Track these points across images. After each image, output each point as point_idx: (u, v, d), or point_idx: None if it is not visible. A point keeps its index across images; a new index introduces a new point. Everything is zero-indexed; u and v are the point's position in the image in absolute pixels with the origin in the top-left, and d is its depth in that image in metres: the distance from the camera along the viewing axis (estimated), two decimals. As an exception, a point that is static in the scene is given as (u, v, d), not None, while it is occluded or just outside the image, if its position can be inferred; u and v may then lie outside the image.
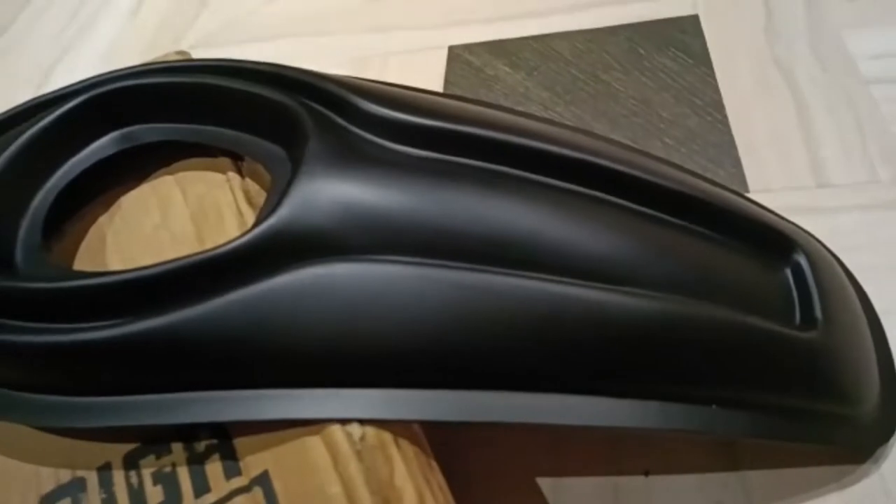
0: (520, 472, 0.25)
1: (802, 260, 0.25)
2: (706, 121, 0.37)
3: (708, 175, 0.31)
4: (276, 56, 0.42)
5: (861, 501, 0.23)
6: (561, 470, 0.25)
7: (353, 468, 0.19)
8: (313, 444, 0.20)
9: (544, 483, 0.25)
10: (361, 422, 0.20)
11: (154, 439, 0.21)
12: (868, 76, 0.36)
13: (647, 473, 0.25)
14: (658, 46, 0.42)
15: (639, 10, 0.45)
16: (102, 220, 0.28)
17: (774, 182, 0.33)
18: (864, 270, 0.28)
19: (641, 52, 0.42)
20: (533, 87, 0.43)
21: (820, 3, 0.41)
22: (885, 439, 0.24)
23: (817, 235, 0.29)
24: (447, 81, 0.44)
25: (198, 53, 0.39)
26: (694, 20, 0.43)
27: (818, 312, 0.24)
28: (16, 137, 0.26)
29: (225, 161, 0.28)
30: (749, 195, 0.32)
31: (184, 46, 0.52)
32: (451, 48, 0.47)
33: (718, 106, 0.38)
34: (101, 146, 0.28)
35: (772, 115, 0.36)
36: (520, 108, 0.41)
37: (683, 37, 0.42)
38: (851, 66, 0.37)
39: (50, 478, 0.21)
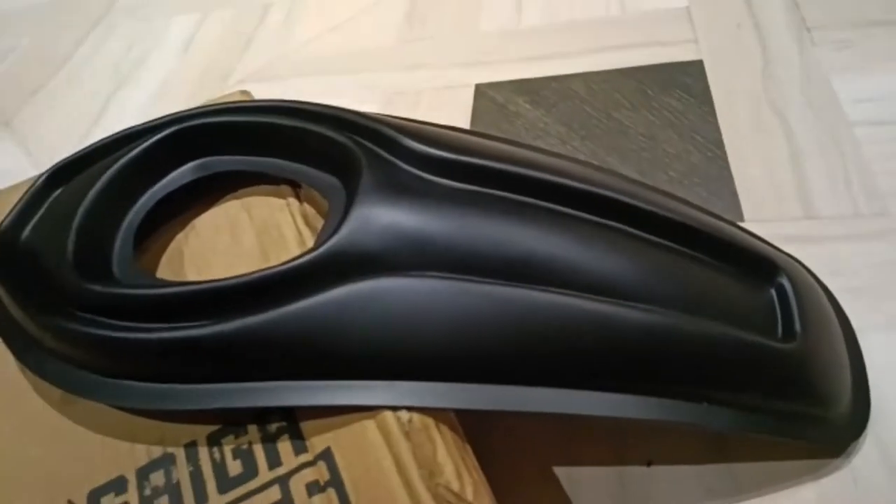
0: (536, 461, 0.29)
1: (785, 282, 0.28)
2: (707, 156, 0.41)
3: (707, 206, 0.35)
4: (315, 90, 0.46)
5: (834, 491, 0.27)
6: (573, 460, 0.29)
7: (403, 446, 0.23)
8: (369, 426, 0.23)
9: (559, 471, 0.29)
10: (409, 409, 0.23)
11: (233, 422, 0.25)
12: (853, 119, 0.40)
13: (649, 464, 0.28)
14: (664, 88, 0.46)
15: (648, 54, 0.49)
16: (180, 237, 0.32)
17: (767, 213, 0.37)
18: (843, 292, 0.32)
19: (649, 92, 0.46)
20: (551, 123, 0.46)
21: (812, 52, 0.45)
22: (856, 437, 0.27)
23: (804, 261, 0.33)
24: (474, 116, 0.48)
25: (244, 87, 0.43)
26: (698, 65, 0.47)
27: (798, 327, 0.27)
28: (109, 165, 0.31)
29: (286, 188, 0.32)
30: (743, 224, 0.36)
31: (231, 81, 0.57)
32: (477, 86, 0.51)
33: (718, 143, 0.41)
34: (181, 174, 0.32)
35: (766, 152, 0.40)
36: (539, 142, 0.45)
37: (688, 80, 0.46)
38: (838, 110, 0.41)
39: (143, 453, 0.25)
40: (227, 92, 0.43)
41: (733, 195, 0.38)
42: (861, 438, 0.27)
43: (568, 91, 0.48)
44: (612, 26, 0.53)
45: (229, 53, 0.60)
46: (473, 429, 0.25)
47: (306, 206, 0.31)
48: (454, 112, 0.49)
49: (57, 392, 0.27)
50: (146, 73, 0.60)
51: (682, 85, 0.46)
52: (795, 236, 0.35)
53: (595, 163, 0.37)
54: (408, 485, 0.22)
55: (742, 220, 0.37)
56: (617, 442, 0.29)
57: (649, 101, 0.46)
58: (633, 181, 0.32)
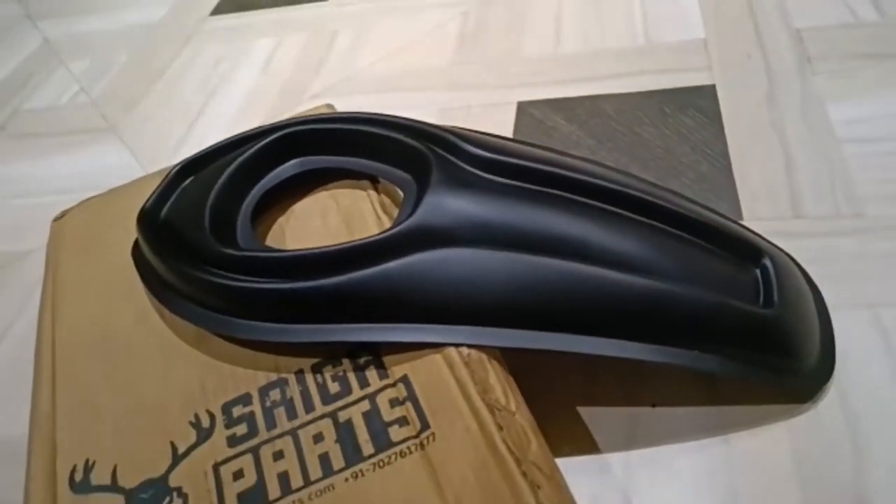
0: (562, 401, 0.35)
1: (768, 263, 0.35)
2: (714, 166, 0.47)
3: (712, 206, 0.41)
4: (378, 106, 0.53)
5: (803, 430, 0.33)
6: (591, 401, 0.35)
7: (463, 372, 0.29)
8: (437, 358, 0.30)
9: (580, 410, 0.35)
10: (468, 346, 0.30)
11: (331, 356, 0.32)
12: (841, 137, 0.46)
13: (654, 405, 0.34)
14: (681, 108, 0.53)
15: (668, 79, 0.55)
16: (281, 220, 0.39)
17: (762, 213, 0.43)
18: (821, 277, 0.38)
19: (667, 111, 0.53)
20: (583, 137, 0.53)
21: (811, 80, 0.51)
22: (821, 387, 0.33)
23: (791, 252, 0.39)
24: (515, 130, 0.55)
25: (318, 102, 0.51)
26: (711, 89, 0.53)
27: (776, 298, 0.33)
28: (231, 161, 0.38)
29: (366, 183, 0.39)
30: (742, 221, 0.42)
31: (307, 97, 0.64)
32: (519, 103, 0.57)
33: (724, 155, 0.48)
34: (284, 170, 0.39)
35: (764, 163, 0.46)
36: (572, 152, 0.51)
37: (701, 102, 0.53)
38: (829, 129, 0.47)
39: (263, 377, 0.32)
40: (305, 106, 0.50)
41: (735, 198, 0.44)
42: (826, 388, 0.33)
43: (598, 109, 0.55)
44: (638, 54, 0.59)
45: (303, 73, 0.68)
46: (513, 371, 0.31)
47: (383, 197, 0.39)
48: (498, 126, 0.56)
49: (192, 328, 0.34)
50: (232, 88, 0.68)
51: (697, 106, 0.53)
52: (785, 232, 0.41)
53: (614, 166, 0.43)
54: (467, 398, 0.28)
55: (741, 218, 0.43)
56: (627, 387, 0.35)
57: (667, 120, 0.52)
58: (646, 181, 0.38)
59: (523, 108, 0.57)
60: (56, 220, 0.43)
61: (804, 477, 0.31)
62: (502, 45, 0.65)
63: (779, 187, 0.44)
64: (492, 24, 0.68)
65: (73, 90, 0.76)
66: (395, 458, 0.28)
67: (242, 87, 0.68)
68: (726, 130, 0.49)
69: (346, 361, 0.32)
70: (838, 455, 0.31)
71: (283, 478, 0.28)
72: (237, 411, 0.31)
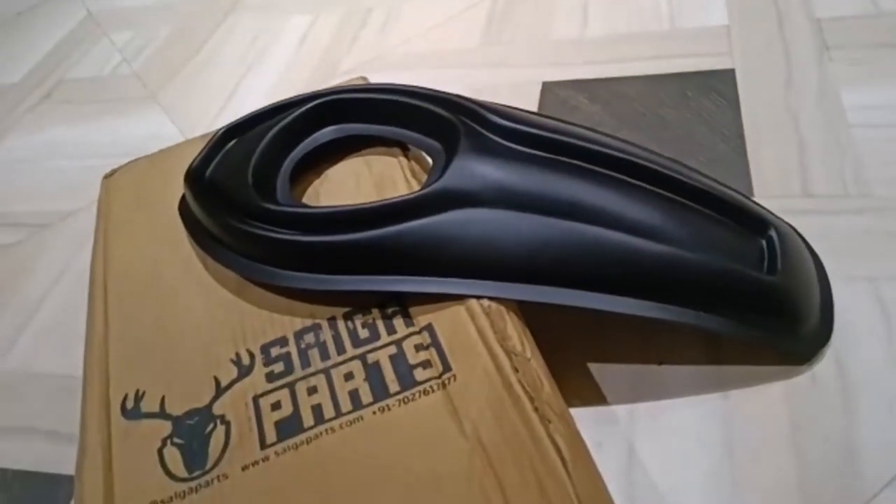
0: (574, 356, 0.38)
1: (774, 234, 0.36)
2: (730, 146, 0.49)
3: (726, 182, 0.43)
4: (408, 82, 0.55)
5: (799, 389, 0.35)
6: (602, 357, 0.37)
7: (484, 321, 0.32)
8: (460, 309, 0.32)
9: (591, 366, 0.37)
10: (489, 298, 0.33)
11: (362, 305, 0.34)
12: (852, 122, 0.48)
13: (660, 363, 0.37)
14: (701, 91, 0.54)
15: (689, 63, 0.57)
16: (317, 182, 0.42)
17: (773, 191, 0.45)
18: (826, 251, 0.40)
19: (689, 94, 0.55)
20: (605, 117, 0.55)
21: (828, 67, 0.53)
22: (818, 350, 0.36)
23: (799, 228, 0.41)
24: (540, 108, 0.57)
25: (351, 77, 0.53)
26: (730, 73, 0.55)
27: (779, 266, 0.35)
28: (272, 127, 0.41)
29: (396, 149, 0.42)
30: (754, 198, 0.44)
31: (340, 72, 0.67)
32: (544, 83, 0.59)
33: (741, 136, 0.49)
34: (322, 135, 0.42)
35: (777, 145, 0.48)
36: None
37: (721, 85, 0.54)
38: (841, 114, 0.48)
39: (298, 322, 0.35)
40: (338, 81, 0.52)
41: (748, 176, 0.46)
42: (823, 352, 0.36)
43: (620, 91, 0.57)
44: (661, 39, 0.61)
45: (337, 49, 0.70)
46: (529, 329, 0.33)
47: (413, 163, 0.41)
48: (524, 105, 0.57)
49: (233, 276, 0.36)
50: (269, 61, 0.71)
51: (717, 89, 0.54)
52: (794, 209, 0.43)
53: (631, 141, 0.45)
54: (486, 344, 0.31)
55: (753, 195, 0.45)
56: (635, 346, 0.37)
57: (688, 102, 0.54)
58: (662, 155, 0.40)
59: (548, 88, 0.59)
60: (106, 177, 0.46)
61: (797, 432, 0.33)
62: (530, 27, 0.67)
63: (790, 168, 0.46)
64: (521, 7, 0.70)
65: (116, 61, 0.79)
66: (419, 396, 0.30)
67: (278, 61, 0.71)
68: (743, 113, 0.51)
69: (374, 311, 0.34)
70: (830, 413, 0.33)
71: (317, 409, 0.31)
72: (274, 352, 0.33)
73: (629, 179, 0.36)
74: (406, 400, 0.30)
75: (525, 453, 0.27)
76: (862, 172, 0.44)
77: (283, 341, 0.34)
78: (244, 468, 0.29)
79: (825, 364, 0.35)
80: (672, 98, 0.55)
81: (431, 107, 0.40)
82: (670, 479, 0.33)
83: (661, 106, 0.54)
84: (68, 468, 0.32)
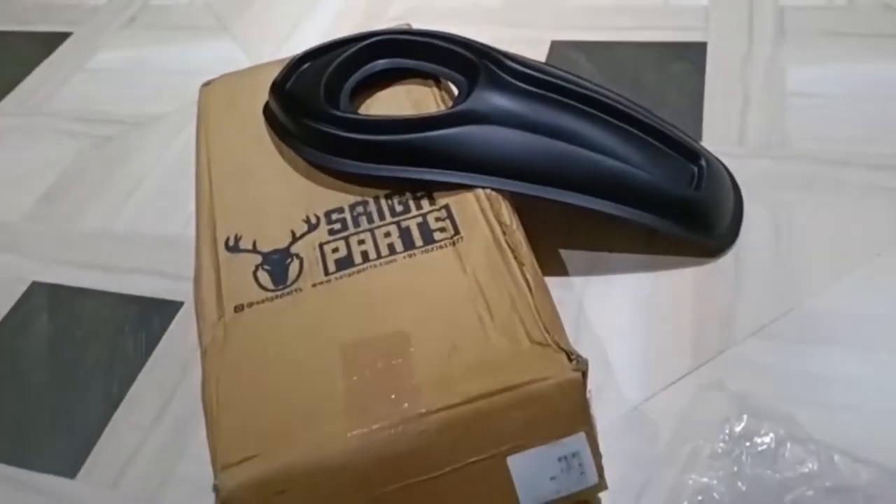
0: (548, 244, 0.50)
1: (704, 164, 0.48)
2: (692, 102, 0.60)
3: (683, 129, 0.55)
4: (443, 30, 0.65)
5: (706, 273, 0.47)
6: (568, 245, 0.50)
7: (486, 204, 0.43)
8: (469, 195, 0.44)
9: (561, 252, 0.50)
10: (491, 188, 0.45)
11: (398, 189, 0.46)
12: (790, 91, 0.59)
13: (610, 251, 0.49)
14: (677, 58, 0.65)
15: (668, 34, 0.68)
16: (368, 102, 0.53)
17: (717, 138, 0.56)
18: (744, 181, 0.52)
19: (666, 59, 0.65)
20: (596, 73, 0.66)
21: (781, 48, 0.64)
22: (724, 249, 0.48)
23: (729, 166, 0.53)
24: (546, 60, 0.68)
25: (396, 22, 0.64)
26: (703, 46, 0.66)
27: (704, 186, 0.47)
28: (338, 56, 0.52)
29: (431, 81, 0.53)
30: (701, 142, 0.55)
31: (386, 18, 0.78)
32: (552, 42, 0.70)
33: (701, 95, 0.61)
34: (374, 66, 0.53)
35: (727, 104, 0.59)
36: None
37: (693, 55, 0.65)
38: (783, 84, 0.60)
39: (351, 198, 0.46)
40: (385, 25, 0.64)
41: (700, 125, 0.58)
42: (727, 251, 0.48)
43: (612, 53, 0.68)
44: (652, 12, 0.71)
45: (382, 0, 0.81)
46: (517, 215, 0.45)
47: (443, 92, 0.52)
48: (533, 56, 0.69)
49: (304, 164, 0.48)
50: (324, 5, 0.82)
51: (690, 58, 0.65)
52: (730, 153, 0.54)
53: (611, 89, 0.57)
54: (486, 219, 0.43)
55: (701, 139, 0.56)
56: (592, 237, 0.50)
57: (663, 65, 0.65)
58: (633, 102, 0.52)
59: (555, 46, 0.70)
60: (204, 85, 0.58)
61: (698, 300, 0.46)
62: (546, -6, 0.78)
63: (732, 122, 0.57)
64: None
65: (191, -7, 0.90)
66: (436, 249, 0.42)
67: (330, 8, 0.81)
68: (706, 78, 0.62)
69: (407, 193, 0.46)
70: (723, 290, 0.46)
71: (364, 253, 0.43)
72: (335, 216, 0.46)
73: (601, 115, 0.48)
74: (427, 251, 0.42)
75: (504, 283, 0.39)
76: (786, 130, 0.56)
77: (340, 210, 0.46)
78: (314, 285, 0.42)
79: (727, 258, 0.48)
80: (650, 61, 0.66)
81: (460, 50, 0.51)
82: (605, 327, 0.45)
83: (644, 67, 0.65)
84: (172, 296, 0.45)
